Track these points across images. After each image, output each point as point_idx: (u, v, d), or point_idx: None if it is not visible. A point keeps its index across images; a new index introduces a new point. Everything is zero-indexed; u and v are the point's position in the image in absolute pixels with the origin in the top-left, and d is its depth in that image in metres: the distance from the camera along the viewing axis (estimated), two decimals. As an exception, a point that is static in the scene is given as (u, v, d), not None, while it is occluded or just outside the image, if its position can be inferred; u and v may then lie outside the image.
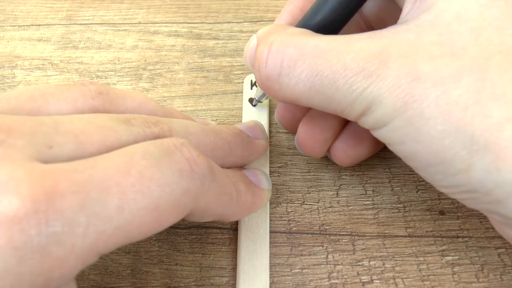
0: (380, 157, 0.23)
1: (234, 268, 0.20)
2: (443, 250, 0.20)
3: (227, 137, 0.19)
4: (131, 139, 0.15)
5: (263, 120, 0.24)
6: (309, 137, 0.21)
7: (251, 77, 0.26)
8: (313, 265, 0.20)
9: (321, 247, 0.20)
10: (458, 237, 0.20)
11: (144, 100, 0.19)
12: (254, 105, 0.25)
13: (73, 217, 0.12)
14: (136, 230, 0.13)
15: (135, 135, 0.15)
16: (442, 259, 0.20)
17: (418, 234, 0.20)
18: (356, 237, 0.20)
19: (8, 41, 0.30)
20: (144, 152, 0.14)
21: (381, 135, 0.16)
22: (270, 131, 0.25)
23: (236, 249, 0.20)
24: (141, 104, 0.18)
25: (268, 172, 0.22)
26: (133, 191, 0.13)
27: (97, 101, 0.17)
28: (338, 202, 0.22)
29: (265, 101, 0.25)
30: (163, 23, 0.31)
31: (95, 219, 0.12)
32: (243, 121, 0.24)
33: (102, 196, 0.13)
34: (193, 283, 0.19)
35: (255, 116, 0.25)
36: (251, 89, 0.26)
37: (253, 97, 0.25)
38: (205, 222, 0.21)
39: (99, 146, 0.14)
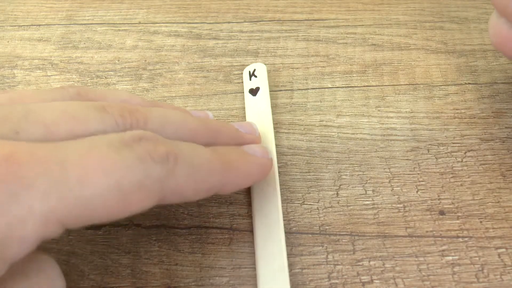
0: (380, 157, 0.23)
1: (234, 268, 0.20)
2: (443, 250, 0.20)
3: (212, 125, 0.19)
4: (100, 130, 0.15)
5: (266, 110, 0.24)
6: None
7: (249, 68, 0.27)
8: (313, 265, 0.20)
9: (321, 247, 0.20)
10: (458, 237, 0.20)
11: (127, 96, 0.19)
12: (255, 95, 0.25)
13: (31, 180, 0.12)
14: (101, 207, 0.13)
15: (106, 126, 0.16)
16: (442, 259, 0.20)
17: (418, 234, 0.20)
18: (356, 237, 0.20)
19: (8, 41, 0.30)
20: (107, 141, 0.15)
21: None
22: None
23: (236, 249, 0.20)
24: (124, 100, 0.19)
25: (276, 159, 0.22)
26: (94, 169, 0.13)
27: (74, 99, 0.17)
28: (338, 202, 0.22)
29: (266, 92, 0.25)
30: (163, 23, 0.31)
31: (55, 185, 0.13)
32: (246, 113, 0.25)
33: (62, 169, 0.13)
34: (193, 283, 0.19)
35: (257, 107, 0.25)
36: (250, 79, 0.26)
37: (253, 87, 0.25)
38: (205, 222, 0.21)
39: (67, 135, 0.15)
